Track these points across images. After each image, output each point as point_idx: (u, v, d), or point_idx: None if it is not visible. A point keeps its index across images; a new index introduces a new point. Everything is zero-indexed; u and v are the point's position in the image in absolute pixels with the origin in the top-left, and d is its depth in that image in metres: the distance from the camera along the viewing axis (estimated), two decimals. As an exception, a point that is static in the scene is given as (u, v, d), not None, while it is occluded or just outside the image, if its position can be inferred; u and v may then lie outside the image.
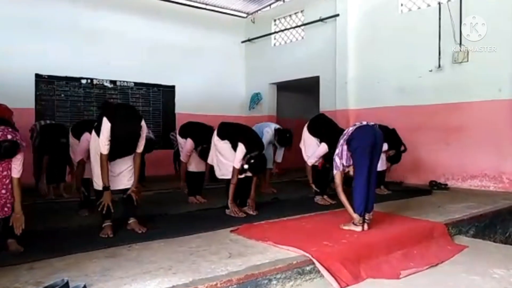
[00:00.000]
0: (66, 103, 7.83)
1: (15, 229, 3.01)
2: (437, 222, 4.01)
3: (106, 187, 3.51)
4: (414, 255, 3.37)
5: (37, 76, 7.43)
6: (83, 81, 7.89)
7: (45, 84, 7.54)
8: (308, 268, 2.85)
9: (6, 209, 3.01)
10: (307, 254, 2.88)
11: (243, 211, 4.42)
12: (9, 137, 2.90)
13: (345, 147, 3.68)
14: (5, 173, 3.00)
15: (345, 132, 3.78)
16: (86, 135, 4.35)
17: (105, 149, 3.44)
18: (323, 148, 4.87)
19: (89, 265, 2.71)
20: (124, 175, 3.68)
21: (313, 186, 5.15)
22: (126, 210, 3.74)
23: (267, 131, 6.02)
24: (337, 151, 3.73)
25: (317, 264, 2.83)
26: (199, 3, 9.70)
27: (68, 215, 4.46)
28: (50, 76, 7.57)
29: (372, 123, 3.80)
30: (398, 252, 3.33)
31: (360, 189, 3.61)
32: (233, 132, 4.51)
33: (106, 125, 3.42)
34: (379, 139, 3.72)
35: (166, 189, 6.40)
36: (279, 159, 6.40)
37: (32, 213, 4.36)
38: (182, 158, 5.27)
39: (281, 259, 2.81)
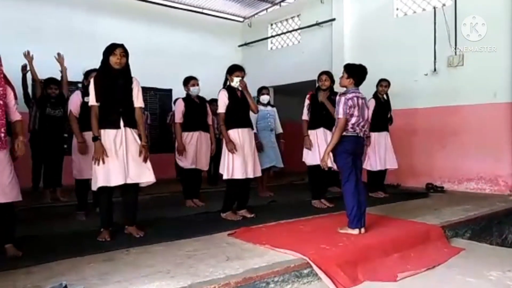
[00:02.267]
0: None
1: (16, 151, 2.99)
2: (434, 224, 4.04)
3: (95, 137, 3.43)
4: (411, 258, 3.39)
5: (34, 80, 7.39)
6: (80, 85, 7.87)
7: (40, 89, 7.49)
8: (305, 271, 2.86)
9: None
10: (305, 257, 2.90)
11: (240, 215, 4.43)
12: None
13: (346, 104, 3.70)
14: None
15: (339, 97, 3.83)
16: (77, 93, 4.54)
17: (92, 99, 3.46)
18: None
19: (87, 269, 2.71)
20: (124, 167, 3.46)
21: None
22: (125, 213, 3.73)
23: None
24: (342, 104, 3.73)
25: (315, 267, 2.84)
26: (196, 7, 9.73)
27: (65, 219, 4.45)
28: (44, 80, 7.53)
29: (360, 96, 3.87)
30: (395, 255, 3.35)
31: (349, 193, 3.67)
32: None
33: (91, 81, 3.52)
34: (361, 146, 3.88)
35: (164, 193, 6.39)
36: (279, 129, 6.34)
37: (30, 217, 4.38)
38: (176, 119, 5.23)
39: (279, 262, 2.83)
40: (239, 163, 4.28)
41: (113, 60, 3.48)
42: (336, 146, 3.73)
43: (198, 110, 5.25)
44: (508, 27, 5.98)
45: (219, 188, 5.96)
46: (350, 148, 3.74)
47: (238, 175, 4.28)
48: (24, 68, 5.86)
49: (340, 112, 3.71)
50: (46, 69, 7.10)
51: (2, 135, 2.92)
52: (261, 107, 6.09)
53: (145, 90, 8.46)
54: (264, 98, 6.21)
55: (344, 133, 3.72)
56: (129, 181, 3.49)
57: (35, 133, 5.61)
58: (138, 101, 3.64)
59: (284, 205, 5.38)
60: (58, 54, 5.68)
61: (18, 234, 3.20)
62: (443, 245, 3.79)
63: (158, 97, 9.00)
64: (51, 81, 5.69)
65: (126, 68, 3.59)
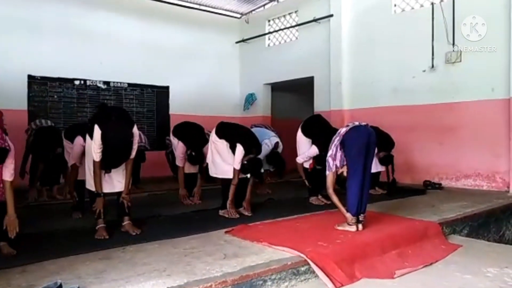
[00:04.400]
0: (59, 104, 7.77)
1: (9, 232, 2.96)
2: (431, 221, 4.03)
3: (98, 194, 3.52)
4: (409, 255, 3.38)
5: (30, 77, 7.37)
6: (76, 82, 7.84)
7: (37, 85, 7.48)
8: (303, 268, 2.85)
9: None
10: (302, 255, 2.88)
11: (238, 212, 4.41)
12: None
13: (339, 148, 3.68)
14: None
15: (338, 132, 3.77)
16: (78, 139, 4.32)
17: (97, 156, 3.44)
18: (313, 150, 4.92)
19: (83, 268, 2.69)
20: (119, 180, 3.66)
21: (306, 182, 5.16)
22: (120, 212, 3.71)
23: (266, 144, 5.63)
24: (330, 152, 3.72)
25: (312, 265, 2.83)
26: (193, 3, 9.68)
27: (61, 217, 4.43)
28: (42, 77, 7.51)
29: (365, 123, 3.81)
30: (393, 252, 3.34)
31: (354, 189, 3.61)
32: (232, 133, 4.49)
33: (97, 132, 3.42)
34: (373, 139, 3.72)
35: (161, 191, 6.38)
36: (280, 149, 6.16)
37: (25, 215, 4.33)
38: (178, 162, 5.24)
39: (276, 260, 2.81)
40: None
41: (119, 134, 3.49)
42: (344, 141, 3.65)
43: (196, 155, 5.16)
44: (506, 23, 5.96)
45: (216, 185, 5.93)
46: (363, 140, 3.62)
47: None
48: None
49: (327, 167, 3.74)
50: (42, 66, 7.08)
51: None
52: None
53: (142, 87, 8.46)
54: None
55: (351, 125, 3.71)
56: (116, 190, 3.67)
57: (34, 133, 5.61)
58: (132, 155, 3.64)
59: (281, 202, 5.37)
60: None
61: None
62: (441, 242, 3.79)
63: (155, 94, 8.96)
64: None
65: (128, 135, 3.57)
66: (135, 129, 3.65)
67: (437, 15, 6.68)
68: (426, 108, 6.91)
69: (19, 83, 7.20)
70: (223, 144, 4.42)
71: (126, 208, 3.67)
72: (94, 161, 3.47)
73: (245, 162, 4.24)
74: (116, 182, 3.65)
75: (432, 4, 6.82)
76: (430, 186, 6.51)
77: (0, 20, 7.08)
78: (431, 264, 3.27)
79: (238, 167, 4.25)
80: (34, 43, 7.36)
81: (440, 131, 6.76)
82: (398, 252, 3.36)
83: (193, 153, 5.01)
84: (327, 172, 3.72)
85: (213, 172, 4.54)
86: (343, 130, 3.72)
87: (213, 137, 4.53)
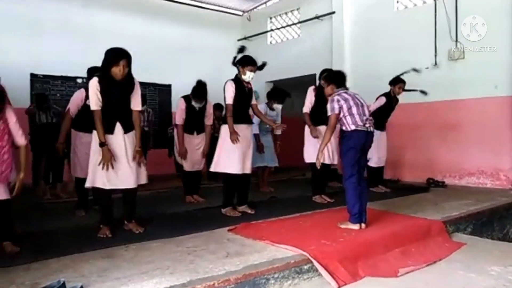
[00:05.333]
0: (61, 102, 7.73)
1: (15, 190, 2.99)
2: (435, 219, 4.02)
3: (102, 143, 3.38)
4: (412, 253, 3.37)
5: (32, 75, 7.38)
6: (79, 81, 7.83)
7: (40, 83, 7.49)
8: (306, 267, 2.84)
9: (4, 169, 2.95)
10: (305, 253, 2.88)
11: (240, 210, 4.41)
12: None
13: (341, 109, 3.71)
14: (3, 140, 2.96)
15: (342, 96, 3.78)
16: (81, 91, 4.45)
17: (95, 104, 3.39)
18: (310, 95, 5.13)
19: (86, 266, 2.69)
20: (127, 175, 3.50)
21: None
22: (124, 210, 3.70)
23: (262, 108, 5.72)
24: (333, 103, 3.75)
25: (315, 263, 2.82)
26: (195, 1, 9.66)
27: (65, 215, 4.43)
28: (45, 76, 7.52)
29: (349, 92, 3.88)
30: (396, 250, 3.33)
31: (352, 189, 3.65)
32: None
33: (93, 79, 3.43)
34: (369, 143, 3.81)
35: (163, 189, 6.38)
36: (278, 131, 6.15)
37: (29, 213, 4.36)
38: (177, 120, 5.15)
39: (279, 258, 2.81)
40: (236, 159, 4.25)
41: (115, 71, 3.36)
42: (343, 141, 3.71)
43: (197, 114, 5.17)
44: (509, 20, 5.93)
45: (219, 183, 5.94)
46: (360, 144, 3.69)
47: (235, 170, 4.25)
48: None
49: (329, 110, 3.75)
50: (46, 64, 7.09)
51: (4, 174, 2.94)
52: (269, 111, 6.00)
53: (144, 85, 8.45)
54: (278, 107, 6.10)
55: (354, 127, 3.68)
56: (128, 187, 3.51)
57: (36, 130, 5.61)
58: (135, 104, 3.59)
59: (284, 201, 5.37)
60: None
61: (17, 230, 3.20)
62: (444, 240, 3.78)
63: (158, 93, 8.96)
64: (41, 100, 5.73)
65: (128, 77, 3.49)
66: (136, 80, 3.59)
67: (440, 12, 6.65)
68: (429, 106, 6.87)
69: (22, 82, 7.20)
70: (226, 135, 4.31)
71: (132, 206, 3.67)
72: (94, 111, 3.40)
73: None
74: (124, 177, 3.49)
75: (435, 0, 6.78)
76: (433, 184, 6.50)
77: (3, 19, 7.09)
78: (434, 262, 3.26)
79: (230, 101, 4.27)
80: (37, 41, 7.37)
81: (443, 129, 6.74)
82: (401, 251, 3.35)
83: (196, 109, 5.06)
84: (330, 113, 3.74)
85: (213, 167, 4.43)
86: (343, 105, 3.73)
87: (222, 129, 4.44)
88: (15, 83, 7.11)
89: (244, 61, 4.33)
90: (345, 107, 3.71)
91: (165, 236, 3.41)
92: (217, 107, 6.24)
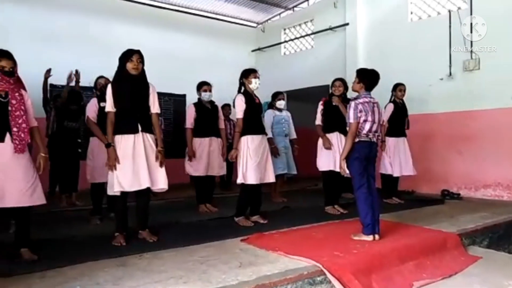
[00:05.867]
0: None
1: (41, 168, 3.15)
2: (450, 232, 3.96)
3: (109, 144, 3.46)
4: (427, 266, 3.33)
5: (51, 86, 7.52)
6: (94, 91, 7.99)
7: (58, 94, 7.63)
8: (319, 278, 2.83)
9: (24, 136, 3.05)
10: (318, 264, 2.87)
11: (253, 220, 4.42)
12: None
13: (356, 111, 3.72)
14: (20, 110, 3.06)
15: (359, 102, 3.78)
16: (93, 100, 4.55)
17: (110, 106, 3.48)
18: (320, 107, 5.20)
19: (101, 274, 2.73)
20: (139, 176, 3.49)
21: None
22: (137, 219, 3.74)
23: (265, 114, 5.83)
24: (352, 110, 3.73)
25: (328, 275, 2.81)
26: (210, 13, 9.81)
27: (80, 223, 4.49)
28: (63, 86, 7.62)
29: (372, 101, 3.85)
30: (410, 263, 3.29)
31: (363, 200, 3.64)
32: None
33: (108, 86, 3.56)
34: (374, 153, 3.84)
35: (177, 198, 6.43)
36: (293, 134, 6.30)
37: (46, 221, 4.43)
38: (186, 124, 5.27)
39: (292, 269, 2.80)
40: (253, 169, 4.27)
41: (130, 66, 3.50)
42: (348, 152, 3.71)
43: (209, 116, 5.27)
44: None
45: (232, 193, 5.97)
46: (363, 154, 3.72)
47: (253, 180, 4.27)
48: (48, 72, 5.93)
49: (351, 117, 3.71)
50: (62, 74, 7.23)
51: (24, 141, 3.02)
52: (276, 112, 6.11)
53: (160, 95, 8.41)
54: (280, 104, 6.22)
55: (357, 139, 3.71)
56: (144, 186, 3.49)
57: (52, 139, 5.70)
58: (154, 107, 3.67)
59: (297, 211, 5.35)
60: (76, 71, 5.67)
61: (33, 237, 3.24)
62: (460, 253, 3.72)
63: (172, 103, 9.07)
64: (75, 97, 5.77)
65: (142, 74, 3.61)
66: (151, 85, 3.68)
67: (455, 23, 6.62)
68: (444, 117, 6.83)
69: (40, 92, 7.36)
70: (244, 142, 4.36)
71: (144, 215, 3.71)
72: (108, 113, 3.50)
73: None
74: (135, 178, 3.48)
75: (450, 11, 6.76)
76: (448, 196, 6.41)
77: (21, 30, 7.29)
78: (450, 276, 3.22)
79: (241, 116, 4.31)
80: (54, 52, 7.53)
81: (459, 140, 6.66)
82: (416, 263, 3.31)
83: (208, 106, 5.19)
84: (351, 121, 3.70)
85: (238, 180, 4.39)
86: (356, 103, 3.75)
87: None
88: (33, 93, 7.25)
89: (246, 73, 4.50)
90: (363, 117, 3.71)
91: (178, 245, 3.44)
92: (224, 106, 6.33)
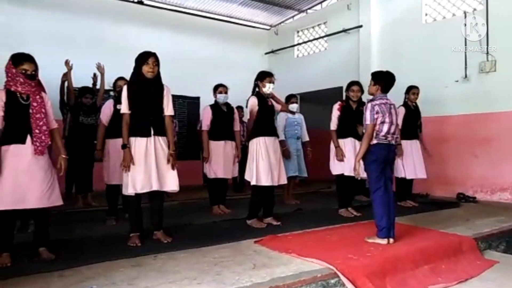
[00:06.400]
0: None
1: (62, 170, 3.25)
2: (466, 236, 3.92)
3: (124, 145, 3.50)
4: (442, 270, 3.30)
5: (68, 88, 7.67)
6: (111, 93, 8.10)
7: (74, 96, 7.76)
8: (333, 281, 2.82)
9: (45, 139, 3.11)
10: (332, 267, 2.86)
11: (266, 222, 4.43)
12: None
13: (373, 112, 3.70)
14: (41, 113, 3.12)
15: (377, 104, 3.77)
16: (109, 101, 4.61)
17: (125, 108, 3.53)
18: (335, 109, 5.08)
19: (116, 274, 2.77)
20: (152, 175, 3.52)
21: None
22: (152, 220, 3.79)
23: (278, 117, 5.82)
24: (368, 111, 3.72)
25: (342, 277, 2.80)
26: (223, 16, 9.87)
27: (96, 224, 4.55)
28: (80, 87, 7.80)
29: (389, 102, 3.81)
30: (425, 267, 3.27)
31: (379, 203, 3.62)
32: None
33: (124, 88, 3.60)
34: (392, 155, 3.79)
35: (191, 199, 6.47)
36: (306, 137, 6.30)
37: (62, 222, 4.51)
38: (203, 126, 5.29)
39: (306, 272, 2.80)
40: (265, 170, 4.29)
41: (146, 69, 3.54)
42: (366, 155, 3.68)
43: (225, 118, 5.30)
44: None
45: (244, 195, 5.98)
46: (382, 157, 3.68)
47: (265, 181, 4.28)
48: (64, 75, 6.05)
49: (367, 119, 3.69)
50: (79, 78, 7.37)
51: (44, 143, 3.09)
52: (289, 115, 6.11)
53: (174, 98, 8.44)
54: (293, 107, 6.21)
55: (376, 141, 3.67)
56: (154, 188, 3.54)
57: (68, 139, 5.78)
58: (168, 109, 3.70)
59: (310, 213, 5.34)
60: (99, 64, 5.81)
61: (51, 237, 3.30)
62: (476, 257, 3.68)
63: (186, 105, 9.14)
64: (86, 90, 5.87)
65: (157, 77, 3.65)
66: (166, 86, 3.71)
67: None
68: (459, 119, 6.75)
69: (57, 95, 7.50)
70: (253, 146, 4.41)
71: (159, 216, 3.75)
72: (123, 115, 3.55)
73: None
74: (150, 180, 3.52)
75: (465, 12, 6.69)
76: (464, 199, 6.33)
77: (39, 35, 7.44)
78: (466, 280, 3.18)
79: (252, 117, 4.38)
80: (71, 56, 7.63)
81: (474, 143, 6.58)
82: (431, 267, 3.29)
83: (224, 110, 5.23)
84: (368, 122, 3.68)
85: (248, 176, 4.46)
86: (372, 105, 3.73)
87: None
88: (51, 96, 7.42)
89: (262, 75, 4.49)
90: (380, 119, 3.70)
91: (192, 246, 3.46)
92: (238, 107, 6.40)
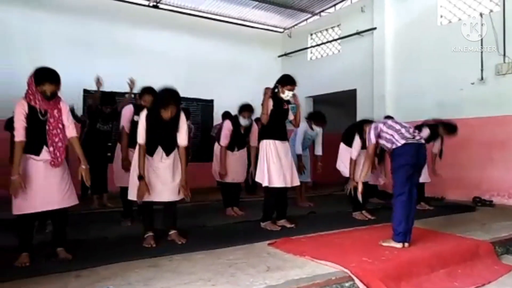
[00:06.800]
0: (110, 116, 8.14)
1: (85, 181, 3.21)
2: (483, 240, 3.86)
3: (140, 176, 3.53)
4: (458, 275, 3.26)
5: (85, 91, 7.81)
6: (127, 96, 8.21)
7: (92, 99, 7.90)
8: (347, 284, 2.81)
9: (59, 155, 3.13)
10: (346, 270, 2.85)
11: (279, 224, 4.43)
12: None
13: (382, 133, 3.68)
14: (57, 129, 3.15)
15: (382, 122, 3.77)
16: (130, 107, 4.57)
17: (141, 138, 3.56)
18: (357, 141, 4.89)
19: (132, 275, 2.80)
20: (168, 188, 3.67)
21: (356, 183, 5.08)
22: (166, 221, 3.83)
23: (299, 129, 5.73)
24: (371, 131, 3.73)
25: (357, 281, 2.79)
26: (237, 19, 9.92)
27: (111, 225, 4.61)
28: (96, 91, 7.92)
29: (412, 131, 3.71)
30: (441, 271, 3.23)
31: (400, 208, 3.56)
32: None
33: (143, 113, 3.59)
34: (422, 158, 3.68)
35: (205, 201, 6.51)
36: (319, 151, 6.21)
37: (78, 222, 4.58)
38: (222, 141, 5.28)
39: (320, 275, 2.80)
40: (276, 172, 4.30)
41: (164, 114, 3.53)
42: (395, 159, 3.61)
43: (241, 137, 5.32)
44: None
45: (257, 197, 5.99)
46: (412, 159, 3.56)
47: (277, 183, 4.29)
48: (93, 97, 6.09)
49: (367, 140, 3.77)
50: (93, 81, 7.51)
51: (59, 160, 3.13)
52: (309, 131, 6.02)
53: (188, 100, 8.76)
54: (316, 128, 6.07)
55: (403, 142, 3.58)
56: (160, 200, 3.68)
57: (84, 143, 5.87)
58: (181, 139, 3.71)
59: (324, 216, 5.33)
60: (131, 79, 5.80)
61: (67, 238, 3.35)
62: (493, 262, 3.62)
63: (200, 108, 9.21)
64: (108, 100, 5.87)
65: (176, 116, 3.63)
66: (182, 116, 3.70)
67: (487, 25, 6.47)
68: (475, 122, 6.66)
69: (76, 97, 7.66)
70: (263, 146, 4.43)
71: (173, 217, 3.79)
72: (139, 145, 3.57)
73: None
74: (165, 191, 3.66)
75: (481, 14, 6.61)
76: (480, 203, 6.24)
77: (58, 38, 7.62)
78: (483, 285, 3.13)
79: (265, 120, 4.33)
80: (89, 58, 7.83)
81: (491, 146, 6.49)
82: (447, 272, 3.25)
83: (241, 131, 5.16)
84: (368, 144, 3.73)
85: (260, 178, 4.47)
86: (384, 126, 3.71)
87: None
88: (69, 98, 7.54)
89: (284, 81, 4.42)
90: (384, 128, 3.68)
91: (206, 248, 3.49)
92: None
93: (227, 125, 5.27)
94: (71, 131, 3.25)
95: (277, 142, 4.38)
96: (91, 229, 4.35)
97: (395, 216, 3.58)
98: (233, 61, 9.68)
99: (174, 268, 2.98)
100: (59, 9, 7.75)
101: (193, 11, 9.32)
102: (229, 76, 9.56)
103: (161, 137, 3.63)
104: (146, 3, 8.75)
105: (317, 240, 3.87)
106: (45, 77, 3.07)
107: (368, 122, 4.84)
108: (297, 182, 4.57)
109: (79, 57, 7.71)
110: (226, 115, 5.56)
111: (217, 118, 9.30)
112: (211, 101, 9.32)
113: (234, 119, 5.31)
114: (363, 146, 4.89)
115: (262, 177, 4.34)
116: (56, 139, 3.12)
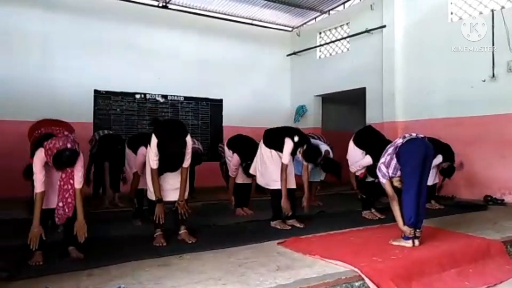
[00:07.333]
0: (121, 117, 8.25)
1: (78, 237, 3.16)
2: (494, 239, 3.82)
3: (158, 200, 3.68)
4: (470, 274, 3.24)
5: (96, 92, 7.91)
6: (137, 96, 8.30)
7: (102, 99, 8.02)
8: (357, 283, 2.81)
9: (68, 212, 3.18)
10: (356, 269, 2.85)
11: (289, 224, 4.44)
12: (69, 146, 3.02)
13: (394, 157, 3.61)
14: (69, 184, 3.17)
15: (393, 142, 3.72)
16: (142, 149, 4.49)
17: (154, 164, 3.64)
18: (367, 160, 4.81)
19: (143, 274, 2.83)
20: (176, 189, 3.81)
21: (359, 193, 5.12)
22: (177, 220, 3.86)
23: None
24: (382, 159, 3.67)
25: (367, 280, 2.79)
26: (246, 18, 9.93)
27: (122, 224, 4.65)
28: (107, 92, 8.03)
29: (422, 136, 3.71)
30: (452, 270, 3.21)
31: (409, 202, 3.51)
32: (279, 132, 4.55)
33: (153, 141, 3.63)
34: (430, 152, 3.63)
35: (214, 201, 6.53)
36: (322, 176, 6.19)
37: (89, 222, 4.61)
38: (230, 173, 5.38)
39: (330, 274, 2.80)
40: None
41: (172, 149, 3.65)
42: (402, 154, 3.55)
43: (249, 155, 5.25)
44: None
45: (267, 196, 5.99)
46: (420, 153, 3.52)
47: (289, 184, 4.35)
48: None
49: (380, 178, 3.69)
50: (107, 82, 7.60)
51: (65, 216, 3.20)
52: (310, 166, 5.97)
53: (197, 100, 8.82)
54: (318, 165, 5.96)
55: (408, 137, 3.62)
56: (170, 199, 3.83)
57: (97, 144, 5.96)
58: (185, 164, 3.79)
59: (333, 215, 5.33)
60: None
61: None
62: (505, 261, 3.59)
63: (210, 107, 9.26)
64: (111, 142, 5.94)
65: (183, 148, 3.72)
66: (188, 139, 3.78)
67: (498, 22, 6.39)
68: (486, 120, 6.59)
69: (87, 98, 7.76)
70: (271, 153, 4.49)
71: (183, 216, 3.81)
72: (151, 169, 3.67)
73: (304, 151, 4.41)
74: (174, 191, 3.81)
75: (492, 11, 6.53)
76: (491, 202, 6.18)
77: (70, 40, 7.71)
78: (494, 285, 3.11)
79: (286, 161, 4.28)
80: (99, 60, 7.91)
81: (502, 144, 6.41)
82: (458, 271, 3.23)
83: (249, 163, 5.07)
84: (383, 181, 3.64)
85: (263, 182, 4.59)
86: (399, 141, 3.65)
87: (262, 146, 4.60)
88: (80, 98, 7.70)
89: (303, 142, 4.46)
90: (386, 155, 3.65)
91: (216, 247, 3.51)
92: None
93: (235, 161, 5.27)
94: (79, 183, 3.20)
95: (280, 154, 4.45)
96: (102, 229, 4.36)
97: (405, 212, 3.51)
98: (242, 60, 9.70)
99: (184, 267, 3.00)
100: (71, 11, 7.83)
101: (202, 11, 9.35)
102: (238, 76, 9.58)
103: (169, 165, 3.72)
104: (156, 3, 8.79)
105: (326, 240, 3.87)
106: (66, 163, 3.05)
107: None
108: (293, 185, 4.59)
109: (89, 58, 7.80)
110: (233, 145, 5.47)
111: (225, 118, 9.35)
112: (221, 100, 9.35)
113: (242, 154, 5.23)
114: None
115: (266, 181, 4.50)
116: (67, 195, 3.15)
